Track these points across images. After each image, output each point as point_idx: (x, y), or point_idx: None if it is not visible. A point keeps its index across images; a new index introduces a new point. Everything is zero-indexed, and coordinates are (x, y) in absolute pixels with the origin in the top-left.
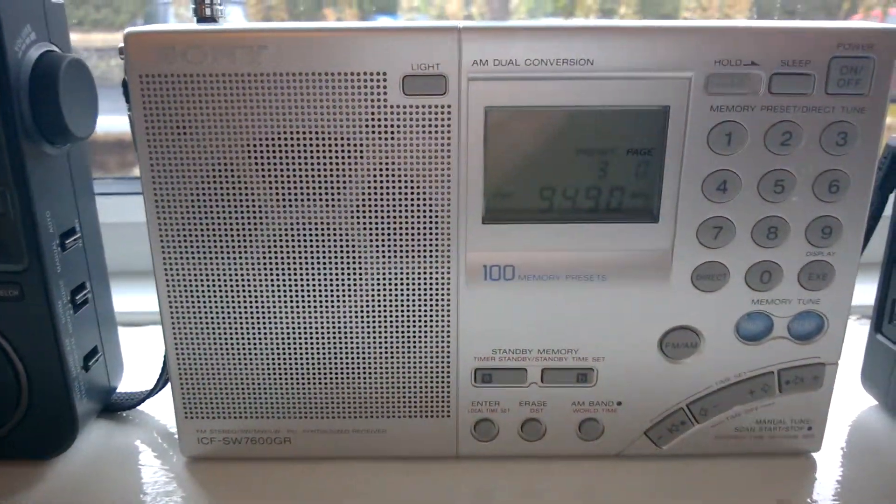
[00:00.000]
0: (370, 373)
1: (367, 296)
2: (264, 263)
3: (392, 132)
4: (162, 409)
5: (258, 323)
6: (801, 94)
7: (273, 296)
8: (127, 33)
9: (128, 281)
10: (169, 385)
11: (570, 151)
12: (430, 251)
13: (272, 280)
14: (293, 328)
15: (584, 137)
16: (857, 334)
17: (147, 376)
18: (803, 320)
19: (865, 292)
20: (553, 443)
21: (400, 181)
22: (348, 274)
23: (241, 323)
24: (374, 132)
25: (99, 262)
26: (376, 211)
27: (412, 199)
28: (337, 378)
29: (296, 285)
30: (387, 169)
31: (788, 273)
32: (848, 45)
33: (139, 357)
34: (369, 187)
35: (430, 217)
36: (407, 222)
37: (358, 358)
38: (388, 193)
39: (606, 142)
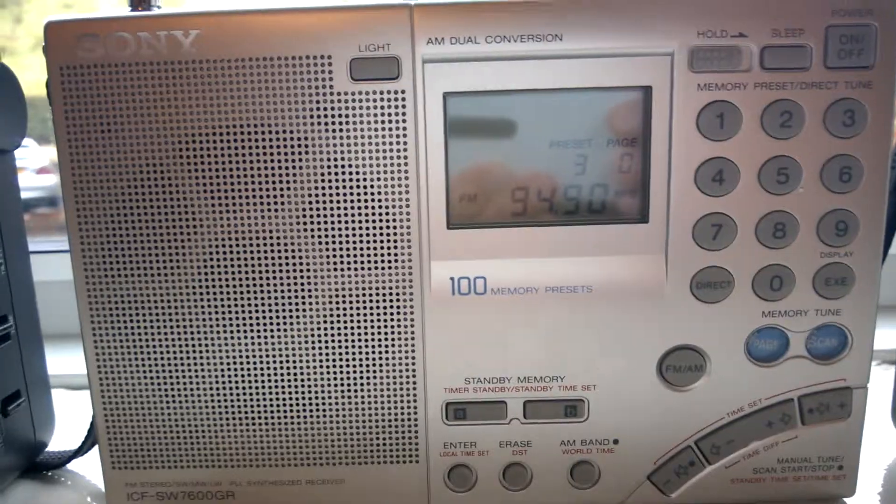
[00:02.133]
0: (324, 410)
1: (318, 318)
2: (198, 281)
3: (340, 123)
4: (95, 468)
5: (193, 352)
6: (797, 68)
7: (209, 319)
8: (47, 23)
9: (66, 343)
10: None
11: (543, 144)
12: (389, 262)
13: (207, 301)
14: (233, 359)
15: (559, 127)
16: (880, 380)
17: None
18: (823, 335)
19: (884, 336)
20: (541, 491)
21: (351, 181)
22: (295, 292)
23: (173, 355)
24: (319, 124)
25: (26, 295)
26: (325, 216)
27: (366, 202)
28: (285, 417)
29: (234, 308)
30: (335, 166)
31: (801, 278)
32: (843, 12)
33: (80, 420)
34: (316, 188)
35: (388, 222)
36: (360, 229)
37: (309, 393)
38: (337, 195)
39: (584, 131)
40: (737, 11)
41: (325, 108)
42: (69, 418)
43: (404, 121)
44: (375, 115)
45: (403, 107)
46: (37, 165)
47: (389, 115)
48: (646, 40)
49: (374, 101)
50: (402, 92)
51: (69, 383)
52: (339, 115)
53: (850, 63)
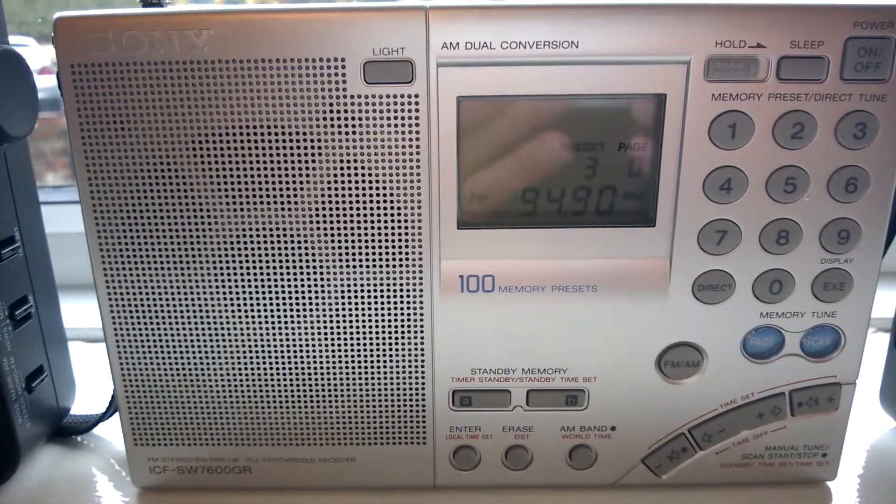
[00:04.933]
0: (337, 396)
1: (331, 310)
2: (215, 275)
3: (353, 126)
4: (119, 433)
5: (210, 341)
6: (813, 80)
7: (226, 311)
8: (56, 19)
9: (85, 294)
10: None
11: (554, 147)
12: (400, 260)
13: (224, 293)
14: (249, 347)
15: (570, 131)
16: (874, 348)
17: (106, 394)
18: (817, 335)
19: (882, 302)
20: (541, 472)
21: (363, 181)
22: (309, 286)
23: (191, 341)
24: (332, 126)
25: (44, 274)
26: (338, 215)
27: (378, 202)
28: (300, 401)
29: (250, 299)
30: (348, 167)
31: (801, 283)
32: (865, 24)
33: (98, 375)
34: (329, 189)
35: (399, 222)
36: (372, 228)
37: (323, 379)
38: (350, 196)
39: (595, 136)
40: (757, 22)
41: (339, 111)
42: (88, 372)
43: (417, 124)
44: (389, 118)
45: (417, 110)
46: (38, 66)
47: (403, 118)
48: (663, 48)
49: (388, 104)
50: (416, 96)
51: (86, 336)
52: (353, 118)
53: (866, 76)
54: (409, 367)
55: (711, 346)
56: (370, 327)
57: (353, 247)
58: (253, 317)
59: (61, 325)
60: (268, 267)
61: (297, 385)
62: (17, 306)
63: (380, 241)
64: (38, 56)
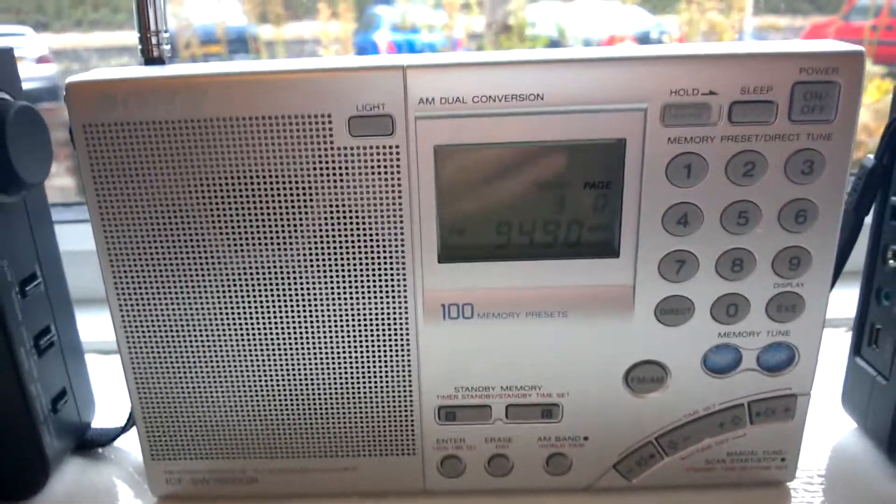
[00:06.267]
0: (333, 413)
1: (326, 338)
2: (219, 307)
3: (341, 174)
4: (137, 444)
5: (217, 365)
6: (763, 122)
7: (230, 339)
8: (68, 83)
9: (95, 307)
10: None
11: (525, 186)
12: (387, 292)
13: (228, 323)
14: (253, 371)
15: (539, 172)
16: (843, 347)
17: (123, 405)
18: (773, 352)
19: (852, 302)
20: (520, 478)
21: (352, 223)
22: (305, 317)
23: (200, 366)
24: (322, 175)
25: (63, 302)
26: (330, 253)
27: (365, 241)
28: (300, 418)
29: (252, 329)
30: (338, 211)
31: (756, 305)
32: (811, 70)
33: (114, 386)
34: (321, 230)
35: (385, 258)
36: (361, 264)
37: (320, 399)
38: (340, 236)
39: (562, 176)
40: (709, 71)
41: (328, 161)
42: (104, 383)
43: (398, 171)
44: (373, 166)
45: (398, 159)
46: (35, 55)
47: (385, 167)
48: (621, 97)
49: (372, 154)
50: (397, 147)
51: (100, 348)
52: (340, 167)
53: (813, 117)
54: (398, 386)
55: (674, 363)
56: (362, 352)
57: (344, 281)
58: (255, 345)
59: (80, 346)
60: (267, 301)
61: (298, 404)
62: (41, 336)
63: (368, 276)
64: (35, 45)
